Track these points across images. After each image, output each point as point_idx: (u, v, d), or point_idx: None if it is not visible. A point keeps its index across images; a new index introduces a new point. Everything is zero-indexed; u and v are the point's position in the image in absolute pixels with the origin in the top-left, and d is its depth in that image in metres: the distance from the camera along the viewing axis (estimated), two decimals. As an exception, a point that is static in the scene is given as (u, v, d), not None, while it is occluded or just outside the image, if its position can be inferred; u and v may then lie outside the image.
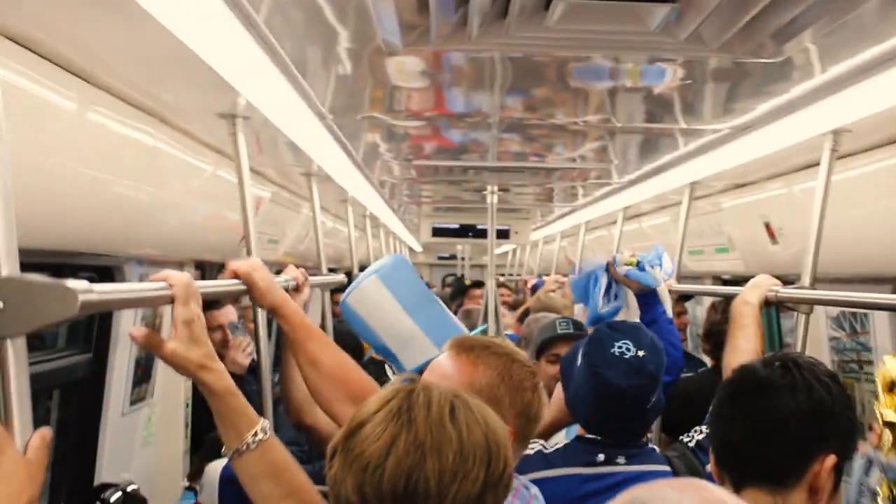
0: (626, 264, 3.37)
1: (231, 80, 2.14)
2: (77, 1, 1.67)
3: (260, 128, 2.87)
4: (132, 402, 3.54)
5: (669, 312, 3.31)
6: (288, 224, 5.22)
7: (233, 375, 3.92)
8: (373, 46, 2.00)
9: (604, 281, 3.45)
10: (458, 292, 8.15)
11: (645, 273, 3.31)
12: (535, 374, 1.91)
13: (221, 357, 3.96)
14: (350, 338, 4.73)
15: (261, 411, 2.61)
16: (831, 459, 1.55)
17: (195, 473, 3.48)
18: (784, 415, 1.57)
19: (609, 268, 3.45)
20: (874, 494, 1.91)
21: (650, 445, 2.56)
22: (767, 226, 3.96)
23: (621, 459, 2.40)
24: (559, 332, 3.53)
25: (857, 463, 1.98)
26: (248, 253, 2.69)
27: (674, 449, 2.51)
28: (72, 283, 1.27)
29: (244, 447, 1.74)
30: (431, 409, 1.37)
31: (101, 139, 2.42)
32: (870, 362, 3.56)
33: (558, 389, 2.72)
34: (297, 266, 2.73)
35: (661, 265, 3.36)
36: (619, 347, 2.42)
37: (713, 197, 4.58)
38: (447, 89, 2.56)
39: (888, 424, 2.08)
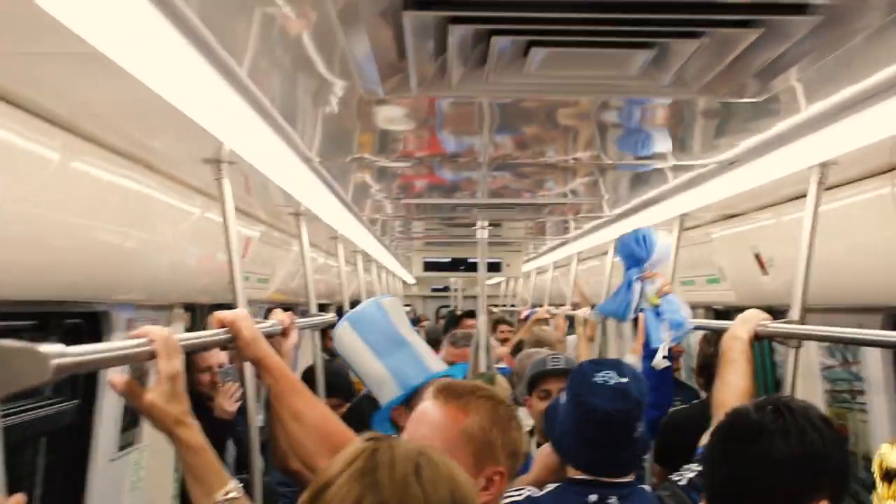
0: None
1: (213, 129, 2.15)
2: (60, 57, 1.68)
3: (247, 171, 2.88)
4: (120, 448, 3.52)
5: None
6: (278, 263, 5.22)
7: (220, 420, 3.93)
8: (356, 93, 2.00)
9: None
10: (451, 323, 8.23)
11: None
12: (514, 411, 1.96)
13: (210, 400, 3.98)
14: (340, 377, 4.73)
15: (248, 455, 2.59)
16: None
17: (184, 519, 3.46)
18: (777, 459, 1.56)
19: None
20: None
21: (641, 485, 2.54)
22: (758, 256, 3.96)
23: (613, 500, 2.39)
24: (549, 367, 3.55)
25: None
26: (233, 296, 2.68)
27: (665, 488, 2.49)
28: (44, 348, 1.25)
29: (223, 499, 1.73)
30: (396, 468, 1.34)
31: (85, 187, 2.42)
32: (862, 392, 3.56)
33: (542, 451, 2.74)
34: (286, 308, 2.73)
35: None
36: (603, 376, 2.46)
37: (703, 228, 4.59)
38: (435, 131, 2.57)
39: None
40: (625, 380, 2.45)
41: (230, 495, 1.75)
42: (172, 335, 1.74)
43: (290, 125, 2.35)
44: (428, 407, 1.93)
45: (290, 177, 3.03)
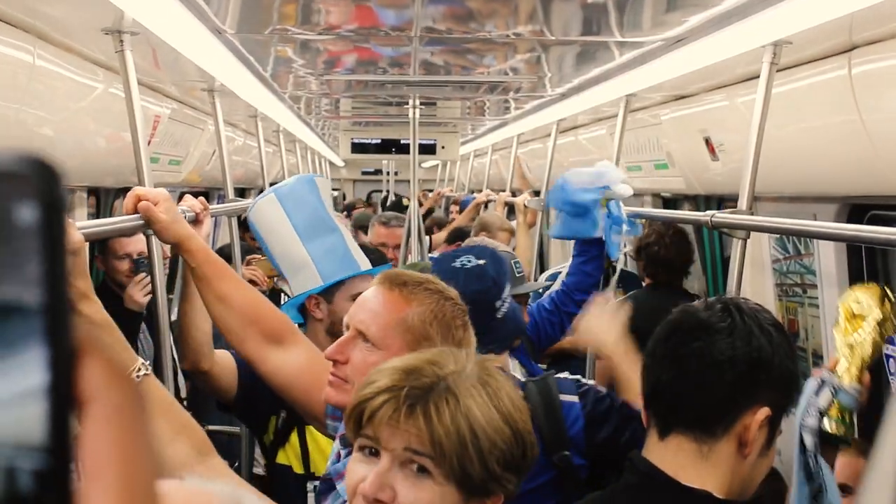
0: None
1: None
2: None
3: (154, 43, 2.78)
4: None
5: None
6: (192, 143, 5.10)
7: (127, 312, 3.86)
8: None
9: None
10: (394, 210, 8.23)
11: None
12: (465, 312, 1.93)
13: (123, 289, 3.93)
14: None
15: (158, 351, 2.57)
16: (764, 412, 1.55)
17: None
18: (718, 359, 1.57)
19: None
20: (821, 414, 1.96)
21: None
22: (707, 141, 3.99)
23: None
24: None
25: (810, 384, 2.03)
26: (139, 177, 2.60)
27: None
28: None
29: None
30: None
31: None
32: (814, 286, 3.64)
33: None
34: (198, 194, 2.67)
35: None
36: (461, 261, 2.53)
37: (651, 109, 4.59)
38: (363, 1, 2.50)
39: (848, 347, 2.12)
40: (482, 261, 2.52)
41: (142, 372, 1.76)
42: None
43: (199, -8, 2.27)
44: (371, 292, 1.93)
45: (200, 50, 2.95)
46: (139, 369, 1.76)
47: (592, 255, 3.36)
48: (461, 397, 1.37)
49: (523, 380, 2.59)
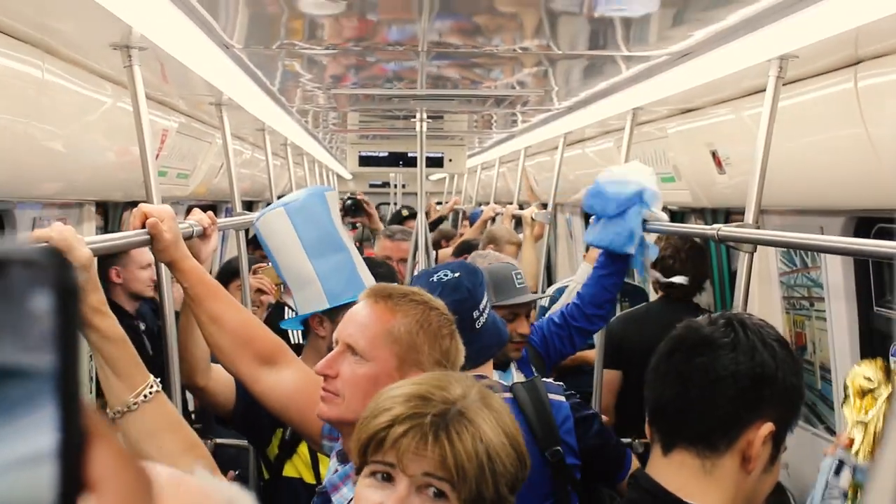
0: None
1: (119, 11, 2.10)
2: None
3: (161, 58, 2.81)
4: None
5: None
6: (200, 157, 5.14)
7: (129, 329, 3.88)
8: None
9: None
10: (394, 223, 8.26)
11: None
12: (452, 322, 1.97)
13: (139, 300, 3.94)
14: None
15: (165, 363, 2.58)
16: (767, 427, 1.55)
17: None
18: (721, 375, 1.57)
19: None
20: (844, 495, 1.97)
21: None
22: (714, 154, 4.00)
23: None
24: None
25: (826, 462, 2.04)
26: (147, 191, 2.62)
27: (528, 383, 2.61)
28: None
29: (140, 399, 1.75)
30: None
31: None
32: (821, 299, 3.65)
33: None
34: (205, 208, 2.69)
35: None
36: (438, 275, 2.59)
37: (658, 122, 4.61)
38: (369, 16, 2.52)
39: (861, 425, 2.13)
40: (457, 274, 2.58)
41: (154, 388, 1.78)
42: (71, 230, 1.74)
43: (205, 9, 2.29)
44: (358, 306, 1.97)
45: (208, 64, 2.97)
46: (151, 386, 1.78)
47: (615, 270, 3.35)
48: (475, 421, 1.40)
49: (508, 384, 2.63)
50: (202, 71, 3.06)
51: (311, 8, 2.36)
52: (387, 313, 1.91)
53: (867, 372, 2.18)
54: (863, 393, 2.14)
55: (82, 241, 1.76)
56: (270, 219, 2.77)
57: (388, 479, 1.41)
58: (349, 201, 7.34)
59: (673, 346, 1.69)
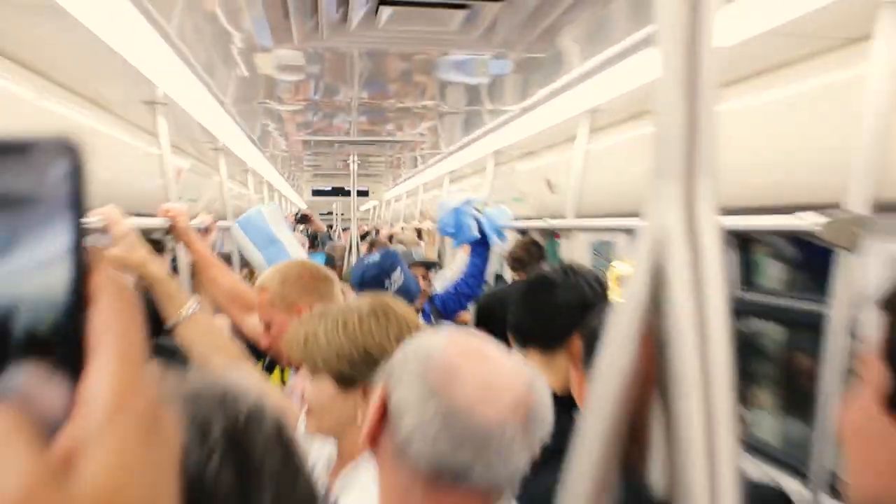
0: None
1: (151, 75, 2.02)
2: (34, 10, 1.52)
3: (177, 112, 2.71)
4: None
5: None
6: (203, 189, 4.96)
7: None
8: (254, 46, 1.90)
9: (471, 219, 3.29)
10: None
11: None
12: (315, 276, 1.99)
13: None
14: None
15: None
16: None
17: None
18: (559, 304, 1.60)
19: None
20: None
21: None
22: (548, 182, 4.05)
23: None
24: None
25: None
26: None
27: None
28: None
29: (188, 313, 1.70)
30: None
31: (54, 124, 2.21)
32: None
33: None
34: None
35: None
36: (366, 260, 2.77)
37: (510, 163, 4.64)
38: (315, 80, 2.47)
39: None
40: (376, 258, 2.74)
41: (194, 306, 1.72)
42: (116, 211, 1.68)
43: (208, 74, 2.22)
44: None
45: (209, 117, 2.88)
46: (191, 304, 1.72)
47: (478, 252, 3.37)
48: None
49: None
50: (206, 122, 2.95)
51: (277, 73, 2.30)
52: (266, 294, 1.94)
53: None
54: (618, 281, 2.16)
55: (122, 219, 1.69)
56: (233, 232, 2.95)
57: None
58: (299, 214, 7.20)
59: (528, 287, 1.70)
